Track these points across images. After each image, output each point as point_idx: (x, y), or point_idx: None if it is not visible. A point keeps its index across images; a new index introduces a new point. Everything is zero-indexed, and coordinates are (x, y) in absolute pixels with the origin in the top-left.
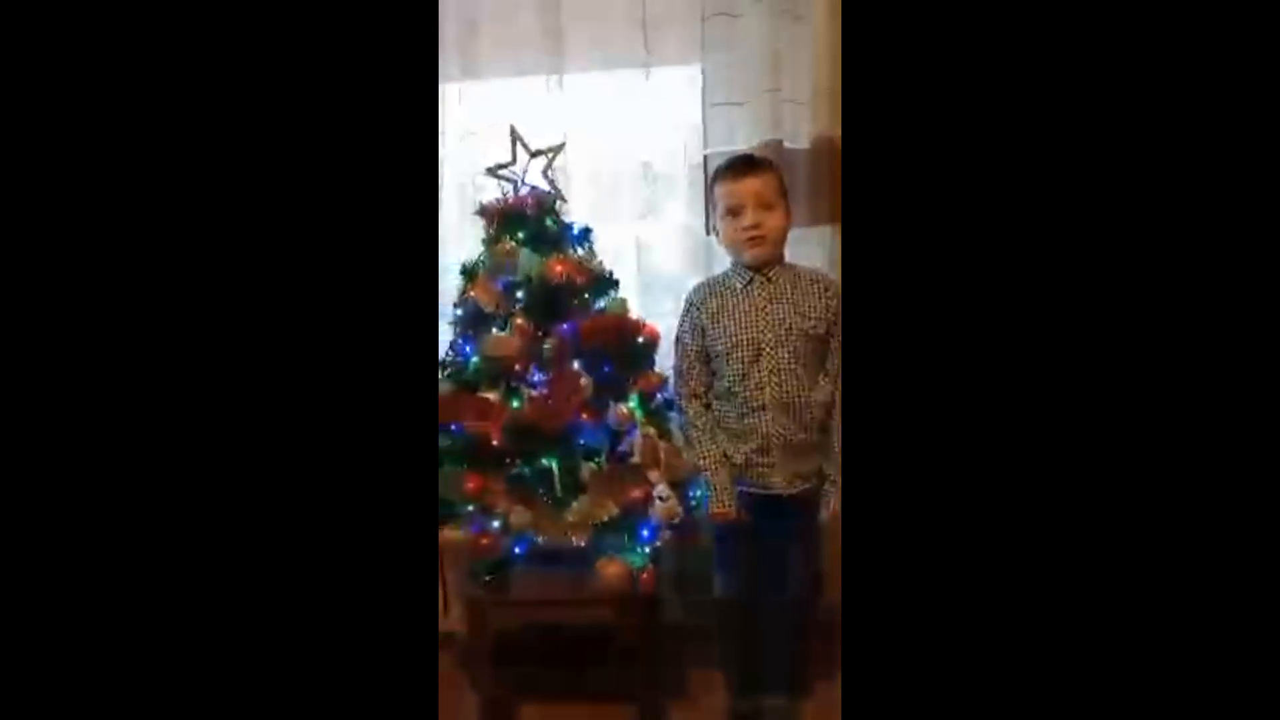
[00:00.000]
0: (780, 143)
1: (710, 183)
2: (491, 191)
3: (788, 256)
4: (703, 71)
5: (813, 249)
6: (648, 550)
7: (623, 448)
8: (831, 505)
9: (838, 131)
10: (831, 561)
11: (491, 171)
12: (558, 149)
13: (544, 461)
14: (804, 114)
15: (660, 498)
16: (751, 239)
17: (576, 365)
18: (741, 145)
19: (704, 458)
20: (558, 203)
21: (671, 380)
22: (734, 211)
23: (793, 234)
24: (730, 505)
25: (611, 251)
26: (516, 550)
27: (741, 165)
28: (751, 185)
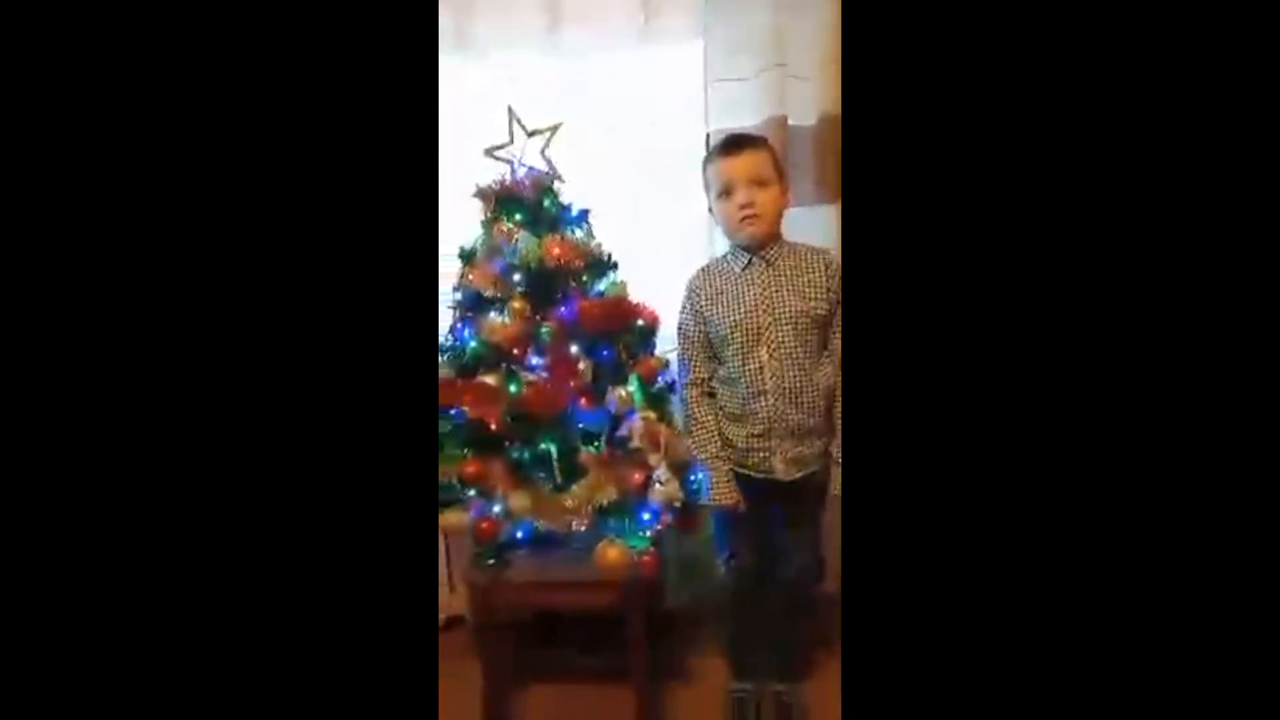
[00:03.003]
0: (785, 119)
1: (704, 164)
2: (489, 173)
3: (794, 235)
4: (705, 47)
5: (819, 227)
6: (648, 534)
7: (622, 431)
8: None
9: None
10: (835, 546)
11: (489, 152)
12: (555, 129)
13: (543, 446)
14: (809, 90)
15: (660, 481)
16: (745, 218)
17: (575, 349)
18: (745, 122)
19: (702, 450)
20: (555, 183)
21: (672, 363)
22: (727, 191)
23: (799, 212)
24: (733, 498)
25: (611, 233)
26: (518, 534)
27: (731, 144)
28: (742, 163)
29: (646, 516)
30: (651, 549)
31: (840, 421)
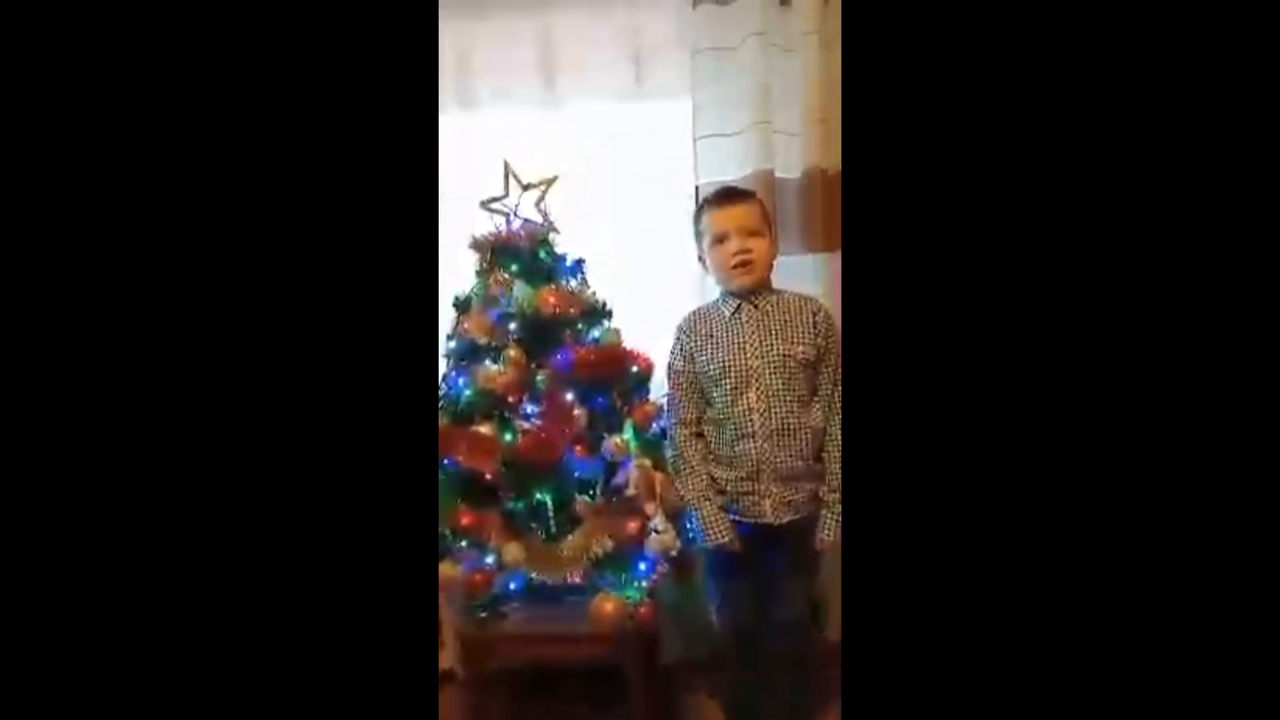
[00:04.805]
0: (772, 173)
1: (695, 214)
2: (485, 224)
3: (781, 284)
4: (694, 104)
5: (805, 277)
6: (644, 584)
7: (618, 480)
8: (830, 534)
9: (829, 162)
10: (828, 591)
11: (485, 205)
12: (549, 182)
13: (538, 495)
14: (795, 145)
15: (656, 530)
16: (738, 264)
17: (570, 397)
18: (733, 176)
19: (689, 491)
20: (550, 234)
21: (665, 409)
22: (720, 239)
23: (785, 262)
24: (727, 535)
25: (604, 282)
26: (512, 586)
27: (725, 196)
28: (736, 213)
29: (642, 567)
30: (648, 601)
31: (830, 466)
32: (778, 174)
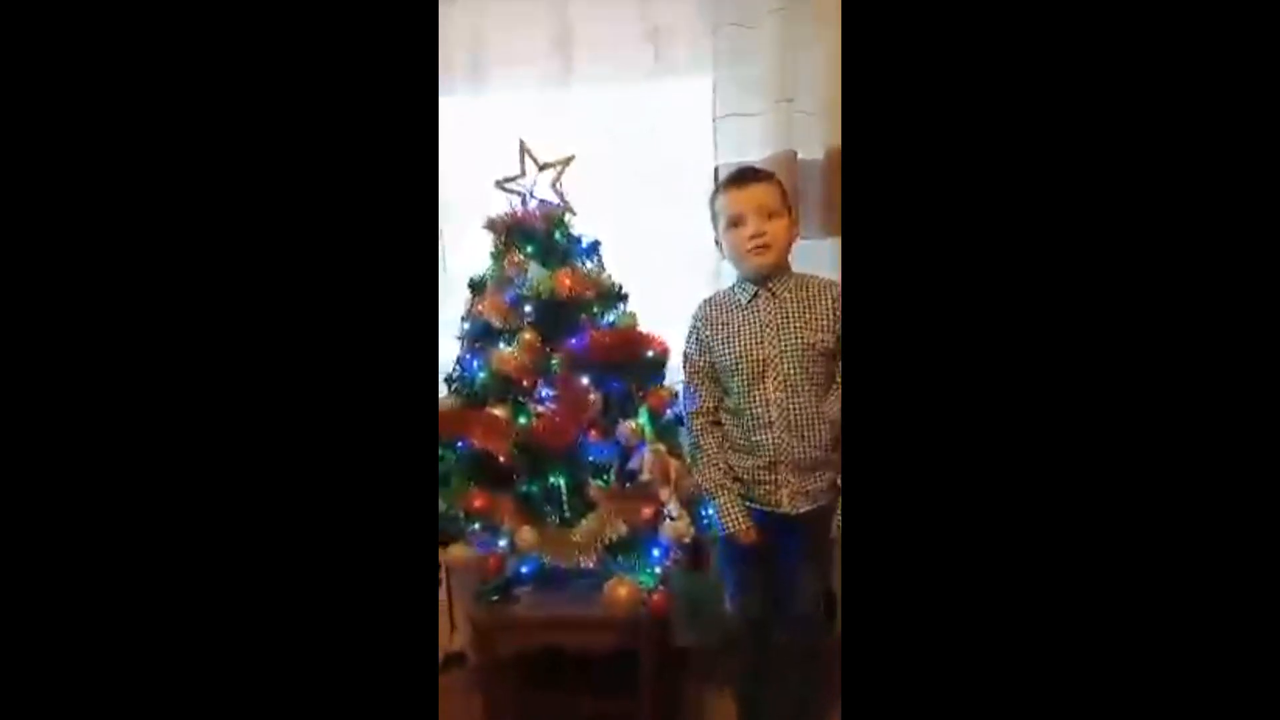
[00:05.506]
0: (794, 154)
1: (711, 196)
2: (500, 204)
3: (803, 267)
4: (714, 82)
5: (828, 259)
6: (658, 571)
7: (632, 465)
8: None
9: None
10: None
11: (500, 184)
12: (566, 162)
13: (552, 479)
14: (817, 125)
15: (671, 516)
16: (755, 247)
17: (585, 380)
18: (753, 156)
19: (707, 480)
20: (566, 215)
21: (681, 396)
22: (737, 221)
23: (806, 245)
24: (746, 526)
25: (621, 265)
26: (524, 570)
27: (740, 177)
28: (752, 194)
29: (656, 553)
30: (661, 587)
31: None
32: (800, 155)
